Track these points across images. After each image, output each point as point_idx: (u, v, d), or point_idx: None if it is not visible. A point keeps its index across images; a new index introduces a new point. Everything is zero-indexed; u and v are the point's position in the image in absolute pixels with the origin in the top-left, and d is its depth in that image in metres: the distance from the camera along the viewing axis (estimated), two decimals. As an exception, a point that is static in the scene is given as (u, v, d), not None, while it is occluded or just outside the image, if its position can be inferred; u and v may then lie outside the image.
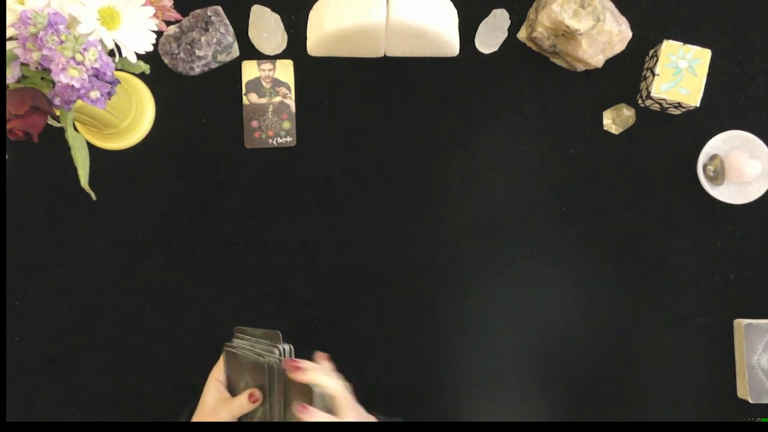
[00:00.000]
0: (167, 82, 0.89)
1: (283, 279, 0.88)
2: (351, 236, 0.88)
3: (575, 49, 0.85)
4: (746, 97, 0.91)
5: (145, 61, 0.69)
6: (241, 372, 0.73)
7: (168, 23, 0.83)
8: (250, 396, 0.72)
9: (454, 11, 0.88)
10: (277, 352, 0.72)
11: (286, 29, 0.90)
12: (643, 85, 0.90)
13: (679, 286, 0.89)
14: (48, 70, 0.60)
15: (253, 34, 0.88)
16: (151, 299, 0.87)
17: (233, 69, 0.89)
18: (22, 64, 0.62)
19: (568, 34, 0.84)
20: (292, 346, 0.74)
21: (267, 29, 0.86)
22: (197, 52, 0.86)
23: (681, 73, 0.86)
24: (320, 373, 0.62)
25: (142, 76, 0.87)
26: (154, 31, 0.67)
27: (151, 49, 0.67)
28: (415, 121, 0.90)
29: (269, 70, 0.89)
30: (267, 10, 0.85)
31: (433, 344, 0.88)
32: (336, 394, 0.62)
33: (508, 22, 0.87)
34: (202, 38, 0.86)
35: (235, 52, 0.89)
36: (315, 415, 0.60)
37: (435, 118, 0.90)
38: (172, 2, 0.72)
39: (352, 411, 0.62)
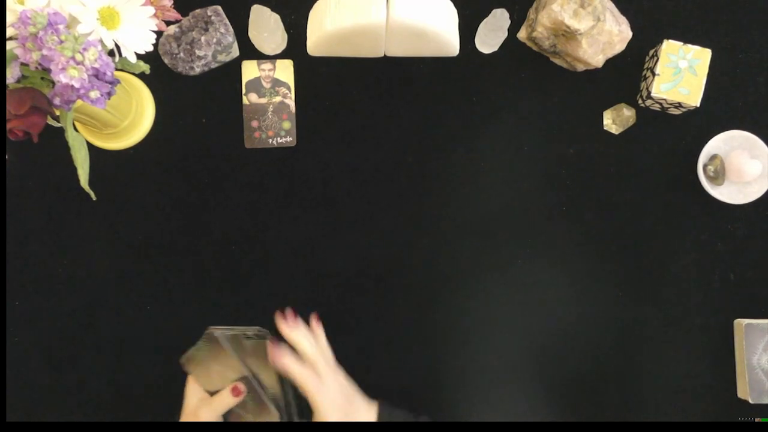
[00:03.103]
0: (167, 82, 0.89)
1: (283, 279, 0.88)
2: (350, 236, 0.88)
3: (575, 49, 0.85)
4: (746, 97, 0.91)
5: (145, 61, 0.69)
6: (211, 364, 0.74)
7: (168, 23, 0.83)
8: (234, 390, 0.72)
9: (454, 11, 0.88)
10: (251, 333, 0.76)
11: (286, 29, 0.90)
12: (643, 85, 0.90)
13: (679, 286, 0.89)
14: (48, 70, 0.60)
15: (253, 34, 0.88)
16: (151, 299, 0.87)
17: (233, 69, 0.89)
18: (22, 64, 0.62)
19: (568, 34, 0.84)
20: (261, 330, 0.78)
21: (267, 29, 0.86)
22: (197, 52, 0.86)
23: (681, 73, 0.86)
24: (304, 338, 0.71)
25: (142, 76, 0.88)
26: (154, 31, 0.67)
27: (151, 49, 0.67)
28: (415, 121, 0.90)
29: (269, 70, 0.89)
30: (267, 10, 0.85)
31: (432, 344, 0.88)
32: (315, 363, 0.70)
33: (508, 22, 0.87)
34: (202, 38, 0.86)
35: (235, 52, 0.89)
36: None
37: (435, 118, 0.90)
38: (172, 2, 0.72)
39: (332, 380, 0.70)
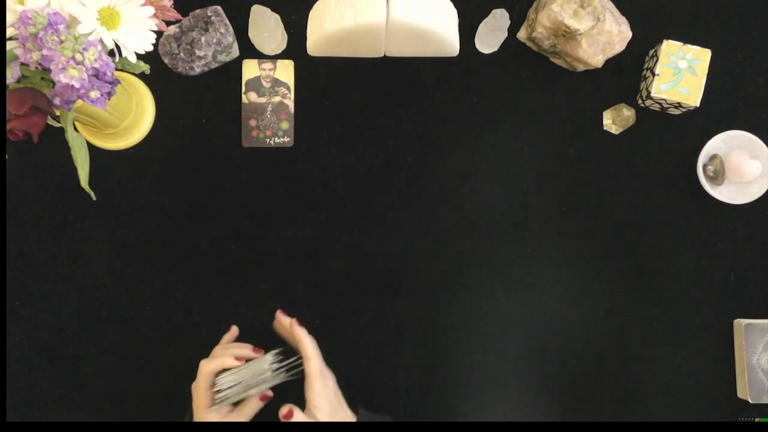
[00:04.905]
0: (167, 82, 0.89)
1: (282, 279, 0.88)
2: (349, 236, 0.88)
3: (575, 49, 0.85)
4: (746, 97, 0.91)
5: (145, 61, 0.69)
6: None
7: (168, 23, 0.83)
8: (262, 397, 0.75)
9: (454, 11, 0.88)
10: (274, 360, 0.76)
11: (286, 29, 0.90)
12: (643, 85, 0.90)
13: (679, 286, 0.89)
14: (48, 70, 0.60)
15: (253, 34, 0.88)
16: (151, 299, 0.87)
17: (233, 69, 0.90)
18: (22, 64, 0.62)
19: (568, 34, 0.84)
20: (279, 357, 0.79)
21: (267, 29, 0.86)
22: (197, 52, 0.86)
23: (681, 73, 0.86)
24: (307, 336, 0.75)
25: (142, 76, 0.88)
26: (154, 31, 0.68)
27: (151, 49, 0.67)
28: (415, 121, 0.90)
29: (270, 69, 0.89)
30: (267, 10, 0.85)
31: (433, 344, 0.88)
32: (311, 359, 0.73)
33: (508, 22, 0.87)
34: (202, 38, 0.86)
35: (235, 52, 0.89)
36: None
37: (435, 118, 0.90)
38: (172, 2, 0.72)
39: (320, 378, 0.72)
